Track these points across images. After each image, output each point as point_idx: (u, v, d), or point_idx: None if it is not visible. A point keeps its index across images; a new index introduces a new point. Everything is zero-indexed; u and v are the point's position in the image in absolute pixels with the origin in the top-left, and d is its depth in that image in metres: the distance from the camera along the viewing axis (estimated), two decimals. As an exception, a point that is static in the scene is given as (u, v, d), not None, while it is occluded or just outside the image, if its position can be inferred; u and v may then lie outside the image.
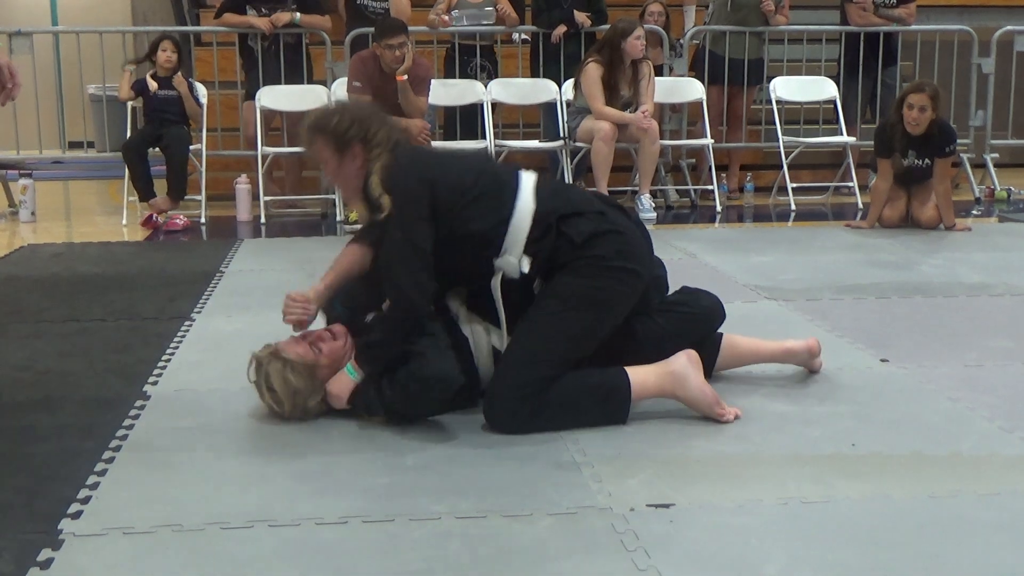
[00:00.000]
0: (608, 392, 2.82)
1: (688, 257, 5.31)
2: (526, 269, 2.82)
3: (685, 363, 2.86)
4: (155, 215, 6.57)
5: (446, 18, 7.33)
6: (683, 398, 2.86)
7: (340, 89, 6.82)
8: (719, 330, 3.23)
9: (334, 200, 6.87)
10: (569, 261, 2.83)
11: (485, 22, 7.37)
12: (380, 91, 6.45)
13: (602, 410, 2.81)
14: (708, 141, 7.33)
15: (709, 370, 3.16)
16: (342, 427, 2.82)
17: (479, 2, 7.42)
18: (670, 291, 3.23)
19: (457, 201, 2.82)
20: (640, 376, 2.85)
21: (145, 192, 6.74)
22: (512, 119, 7.95)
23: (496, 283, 2.85)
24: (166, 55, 6.76)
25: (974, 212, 7.12)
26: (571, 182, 7.03)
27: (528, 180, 2.91)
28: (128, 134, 7.10)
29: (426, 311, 2.83)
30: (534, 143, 7.38)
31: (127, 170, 6.77)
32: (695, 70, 7.71)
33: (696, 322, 3.09)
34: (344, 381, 2.85)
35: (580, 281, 2.82)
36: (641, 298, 2.97)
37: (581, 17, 7.33)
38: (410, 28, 7.30)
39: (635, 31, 6.68)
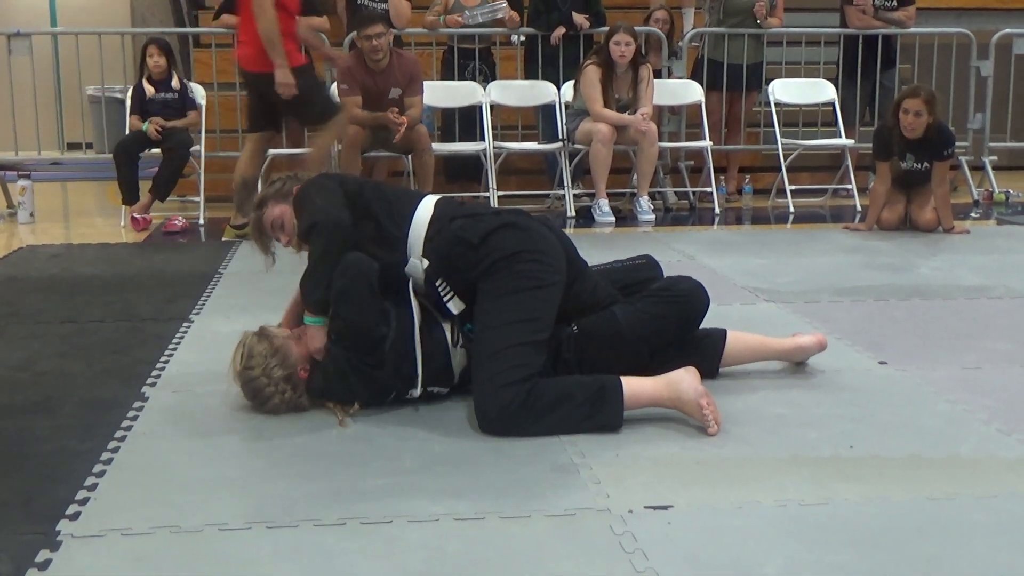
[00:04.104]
0: (600, 389, 2.81)
1: (687, 259, 5.31)
2: (426, 264, 2.96)
3: (682, 371, 2.87)
4: (136, 215, 6.57)
5: (459, 18, 7.33)
6: (680, 405, 2.83)
7: (339, 91, 6.84)
8: (724, 328, 3.26)
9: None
10: (474, 266, 2.91)
11: (500, 15, 7.37)
12: (367, 90, 6.47)
13: (595, 407, 2.79)
14: (707, 143, 7.33)
15: (715, 365, 3.20)
16: (340, 430, 2.82)
17: (477, 2, 7.43)
18: None
19: (362, 194, 3.06)
20: (636, 382, 2.85)
21: (129, 195, 6.71)
22: (511, 121, 7.95)
23: (411, 291, 2.97)
24: (153, 60, 6.76)
25: (972, 215, 7.13)
26: (570, 184, 7.04)
27: (431, 196, 3.14)
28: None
29: (346, 223, 2.94)
30: (532, 145, 7.39)
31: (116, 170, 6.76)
32: (695, 79, 7.70)
33: (676, 303, 3.10)
34: (316, 332, 2.95)
35: (499, 279, 2.89)
36: (592, 290, 3.09)
37: (579, 19, 7.34)
38: (409, 30, 7.34)
39: (616, 35, 6.68)
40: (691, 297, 3.12)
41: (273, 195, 3.16)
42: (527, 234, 2.96)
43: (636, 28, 7.00)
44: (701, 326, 3.21)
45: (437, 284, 2.97)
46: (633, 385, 2.83)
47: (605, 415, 2.79)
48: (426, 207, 3.05)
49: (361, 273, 2.88)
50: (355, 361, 2.89)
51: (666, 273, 3.35)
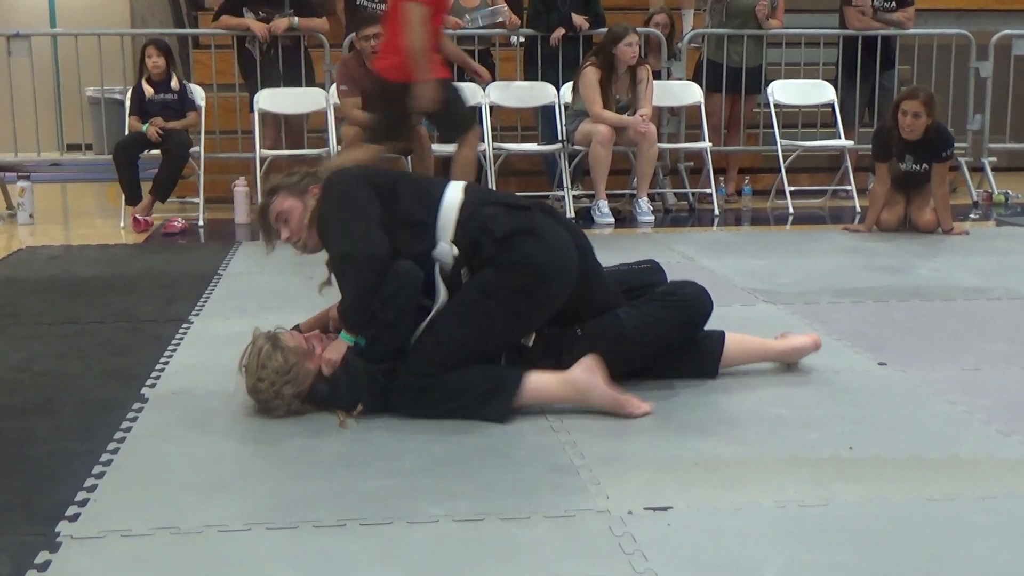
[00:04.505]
0: (495, 385, 2.86)
1: (686, 260, 5.31)
2: (456, 252, 2.91)
3: (585, 372, 2.89)
4: (139, 216, 6.57)
5: (459, 20, 7.34)
6: (587, 406, 2.90)
7: (338, 92, 6.84)
8: (722, 329, 3.27)
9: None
10: (492, 256, 2.90)
11: (500, 19, 7.37)
12: (366, 91, 6.47)
13: (486, 398, 2.85)
14: (706, 144, 7.33)
15: (715, 366, 3.21)
16: (340, 431, 2.82)
17: (476, 5, 7.43)
18: None
19: (389, 189, 2.98)
20: (542, 380, 2.89)
21: (131, 196, 6.72)
22: (510, 122, 7.95)
23: (437, 275, 2.92)
24: (152, 61, 6.76)
25: (972, 216, 7.13)
26: (569, 185, 7.04)
27: (456, 183, 3.08)
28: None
29: (385, 256, 2.87)
30: (532, 146, 7.39)
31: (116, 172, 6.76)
32: (695, 80, 7.71)
33: (680, 308, 3.11)
34: (340, 346, 2.91)
35: (501, 278, 2.89)
36: (601, 293, 3.08)
37: (579, 20, 7.34)
38: (408, 31, 7.31)
39: (627, 37, 6.69)
40: (695, 302, 3.14)
41: (287, 187, 3.09)
42: (550, 250, 2.92)
43: (637, 29, 7.01)
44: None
45: (461, 272, 2.95)
46: (537, 382, 2.88)
47: (490, 409, 2.85)
48: (455, 190, 3.01)
49: (414, 279, 2.86)
50: (372, 369, 2.89)
51: (667, 275, 3.35)
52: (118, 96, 8.11)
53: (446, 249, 2.92)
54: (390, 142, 6.02)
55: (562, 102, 7.23)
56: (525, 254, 2.89)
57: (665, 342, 3.09)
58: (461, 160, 5.86)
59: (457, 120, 5.88)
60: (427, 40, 5.49)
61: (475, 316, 2.88)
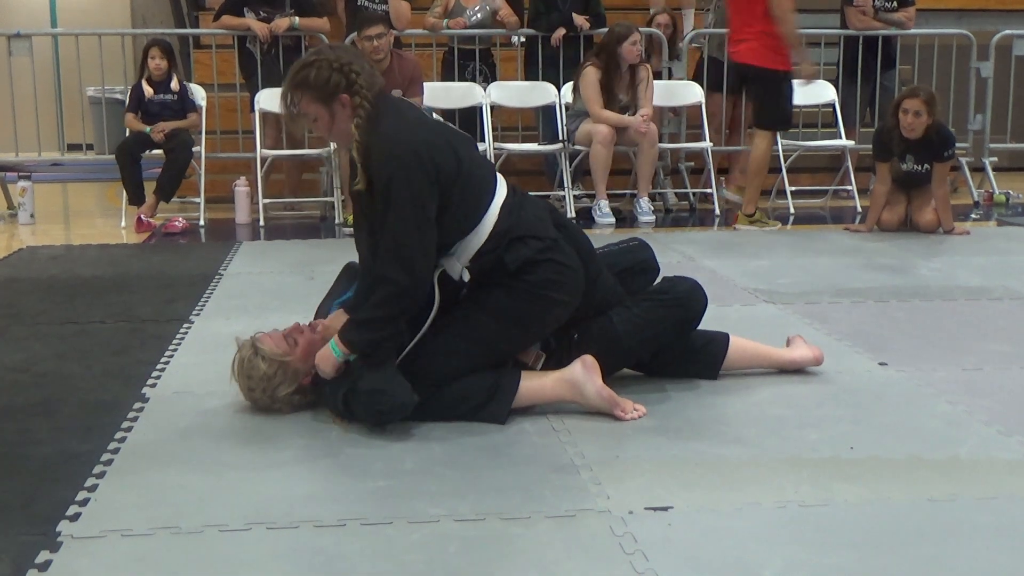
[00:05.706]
0: (493, 389, 2.87)
1: (687, 260, 5.31)
2: (466, 278, 2.89)
3: (582, 371, 2.90)
4: (143, 216, 6.57)
5: (462, 19, 7.34)
6: (583, 404, 2.91)
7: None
8: (726, 333, 3.27)
9: (333, 203, 6.88)
10: (500, 281, 2.89)
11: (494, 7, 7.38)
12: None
13: (485, 403, 2.85)
14: (707, 144, 7.33)
15: (716, 370, 3.21)
16: (340, 431, 2.82)
17: (475, 4, 7.43)
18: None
19: (453, 185, 2.81)
20: (537, 382, 2.91)
21: (135, 196, 6.73)
22: (511, 122, 7.95)
23: (435, 281, 2.89)
24: (155, 63, 6.77)
25: (973, 216, 7.12)
26: (570, 185, 7.03)
27: (501, 191, 2.93)
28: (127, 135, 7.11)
29: (421, 294, 2.81)
30: (533, 146, 7.39)
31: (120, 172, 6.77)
32: (697, 80, 7.70)
33: (675, 307, 3.11)
34: (330, 358, 2.83)
35: (507, 298, 2.88)
36: (602, 294, 3.04)
37: (580, 20, 7.34)
38: (409, 31, 7.34)
39: (631, 36, 6.70)
40: (689, 299, 3.13)
41: (312, 89, 2.84)
42: (562, 280, 2.90)
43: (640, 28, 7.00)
44: (704, 328, 3.22)
45: (461, 287, 2.94)
46: (532, 384, 2.90)
47: (489, 411, 2.85)
48: (492, 214, 2.87)
49: (404, 411, 2.78)
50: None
51: (664, 271, 3.33)
52: (119, 96, 8.11)
53: (456, 267, 2.90)
54: (781, 127, 6.43)
55: (563, 102, 7.23)
56: (541, 274, 2.87)
57: (660, 341, 3.10)
58: (757, 152, 6.32)
59: (782, 114, 6.25)
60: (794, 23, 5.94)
61: (483, 336, 2.88)
